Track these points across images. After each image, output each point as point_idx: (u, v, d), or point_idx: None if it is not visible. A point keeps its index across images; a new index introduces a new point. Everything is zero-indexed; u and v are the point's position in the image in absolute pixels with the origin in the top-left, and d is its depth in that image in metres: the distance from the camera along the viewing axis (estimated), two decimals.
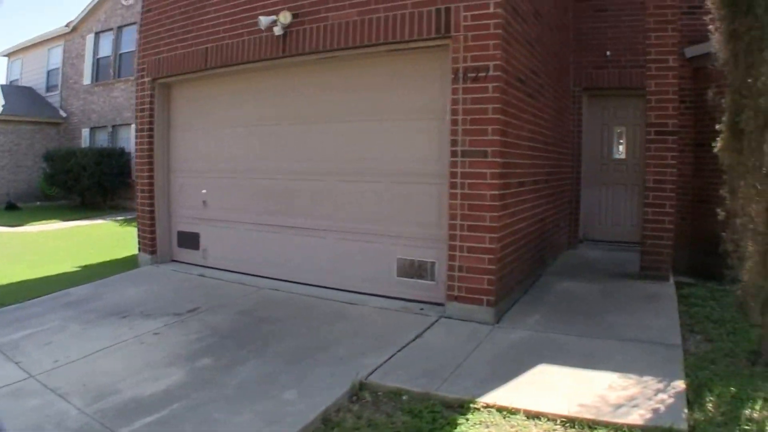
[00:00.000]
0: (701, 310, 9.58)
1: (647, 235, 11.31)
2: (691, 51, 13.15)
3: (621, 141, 15.26)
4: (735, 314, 8.46)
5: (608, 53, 14.56)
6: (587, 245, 15.22)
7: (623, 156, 15.19)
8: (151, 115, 12.74)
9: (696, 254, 12.76)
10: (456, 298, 8.80)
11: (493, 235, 8.54)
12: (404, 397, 6.29)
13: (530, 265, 10.74)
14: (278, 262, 11.10)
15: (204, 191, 12.25)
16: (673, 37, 10.97)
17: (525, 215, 10.06)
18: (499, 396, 6.15)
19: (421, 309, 9.14)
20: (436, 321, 8.64)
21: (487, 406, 6.00)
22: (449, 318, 8.73)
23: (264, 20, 10.12)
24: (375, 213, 9.96)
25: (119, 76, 30.94)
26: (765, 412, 6.02)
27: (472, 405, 6.02)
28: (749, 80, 6.82)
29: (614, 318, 8.80)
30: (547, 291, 10.45)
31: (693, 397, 6.28)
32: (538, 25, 10.85)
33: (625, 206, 14.92)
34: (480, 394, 6.17)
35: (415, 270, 9.54)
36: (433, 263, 9.35)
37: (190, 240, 12.63)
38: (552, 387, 6.41)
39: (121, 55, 31.03)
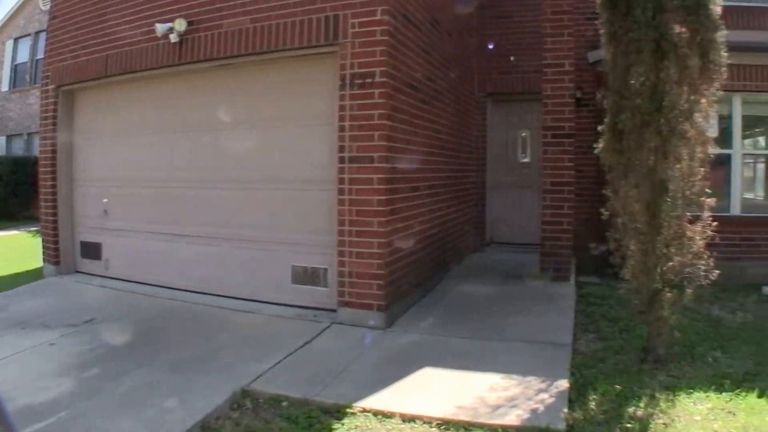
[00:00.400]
0: (598, 309, 9.76)
1: (546, 237, 11.47)
2: (593, 55, 13.33)
3: (526, 145, 15.35)
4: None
5: (512, 59, 14.74)
6: (494, 248, 15.36)
7: (528, 159, 15.38)
8: (54, 123, 12.43)
9: (602, 254, 12.90)
10: (347, 304, 8.79)
11: (381, 240, 8.55)
12: (284, 404, 6.25)
13: (429, 269, 10.75)
14: (176, 271, 10.95)
15: (105, 200, 11.99)
16: (569, 42, 11.13)
17: (420, 220, 10.08)
18: (378, 400, 6.17)
19: (315, 316, 9.09)
20: (328, 327, 8.62)
21: (364, 411, 6.00)
22: (341, 324, 8.71)
23: (160, 27, 10.03)
24: (270, 220, 9.90)
25: (36, 83, 29.84)
26: (650, 410, 6.10)
27: (349, 410, 6.02)
28: (631, 81, 6.93)
29: (508, 319, 8.90)
30: (446, 294, 10.53)
31: (575, 396, 6.35)
32: (436, 32, 10.93)
33: (531, 209, 14.90)
34: (358, 399, 6.17)
35: (308, 277, 9.49)
36: (325, 269, 9.31)
37: (92, 250, 12.39)
38: (433, 390, 6.44)
39: (38, 60, 29.84)
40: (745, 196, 13.37)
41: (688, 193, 7.04)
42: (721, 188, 13.05)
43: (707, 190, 7.18)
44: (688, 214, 7.14)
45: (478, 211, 15.24)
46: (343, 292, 8.84)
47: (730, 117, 12.92)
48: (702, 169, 7.13)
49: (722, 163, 13.06)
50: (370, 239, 8.57)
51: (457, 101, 12.86)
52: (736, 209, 12.99)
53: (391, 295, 8.82)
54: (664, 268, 7.00)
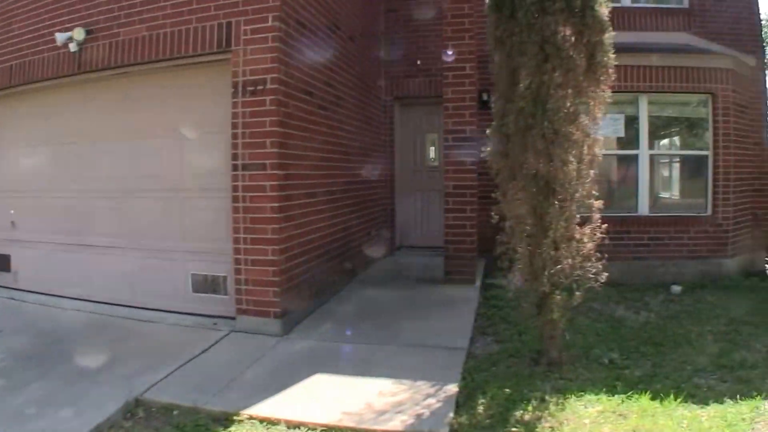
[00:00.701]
0: (499, 311, 9.80)
1: (450, 240, 11.48)
2: None
3: (435, 148, 15.36)
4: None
5: (419, 62, 14.74)
6: (404, 252, 15.35)
7: (437, 163, 15.28)
8: None
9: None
10: (245, 312, 8.73)
11: (275, 247, 8.50)
12: (175, 412, 6.24)
13: (332, 275, 10.71)
14: (83, 282, 10.70)
15: (12, 211, 11.75)
16: (470, 45, 11.15)
17: (318, 226, 10.02)
18: (265, 407, 6.19)
19: (215, 324, 9.01)
20: (226, 335, 8.55)
21: (251, 418, 6.02)
22: (240, 332, 8.65)
23: (60, 37, 9.83)
24: (170, 229, 9.79)
25: None
26: (538, 413, 6.12)
27: (236, 417, 6.04)
28: (519, 85, 6.92)
29: (407, 324, 8.92)
30: (349, 300, 10.52)
31: (464, 401, 6.37)
32: (336, 37, 10.90)
33: (440, 212, 14.74)
34: (246, 406, 6.19)
35: (208, 285, 9.41)
36: (224, 277, 9.23)
37: (1, 262, 12.21)
38: (322, 396, 6.46)
39: None
40: (655, 196, 13.51)
41: (577, 195, 7.06)
42: (629, 188, 13.23)
43: (594, 192, 7.21)
44: (578, 216, 7.16)
45: (387, 216, 15.19)
46: (241, 299, 8.79)
47: (636, 118, 13.08)
48: (591, 171, 7.15)
49: (630, 163, 13.23)
50: (265, 246, 8.53)
51: (362, 105, 12.86)
52: (644, 209, 13.19)
53: (289, 302, 8.77)
54: (552, 271, 7.00)
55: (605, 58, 7.00)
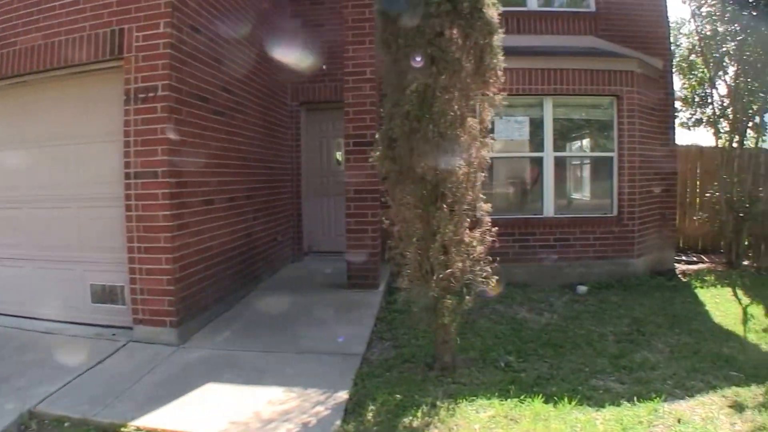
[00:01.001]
0: (400, 315, 9.68)
1: (352, 245, 11.41)
2: None
3: (341, 153, 15.29)
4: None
5: (324, 67, 14.64)
6: (312, 257, 15.27)
7: (343, 168, 15.16)
8: None
9: None
10: (141, 322, 8.60)
11: (169, 255, 8.40)
12: (66, 424, 6.18)
13: (233, 282, 10.61)
14: None
15: None
16: (371, 50, 11.08)
17: (217, 233, 9.92)
18: (154, 418, 6.16)
19: (114, 334, 8.83)
20: (123, 346, 8.40)
21: (138, 429, 5.98)
22: (137, 342, 8.50)
23: None
24: (68, 239, 9.59)
25: None
26: (427, 419, 6.10)
27: (123, 429, 5.98)
28: (409, 88, 6.89)
29: (305, 330, 8.89)
30: (250, 307, 10.43)
31: (353, 408, 6.33)
32: (236, 42, 10.81)
33: None
34: (135, 417, 6.13)
35: (107, 295, 9.24)
36: (122, 287, 9.06)
37: None
38: (211, 405, 6.44)
39: None
40: (561, 198, 13.61)
41: (468, 198, 7.07)
42: (535, 191, 13.31)
43: (482, 195, 7.24)
44: (469, 219, 7.17)
45: (294, 221, 15.11)
46: (137, 309, 8.66)
47: (541, 120, 13.15)
48: (480, 174, 7.17)
49: (535, 165, 13.31)
50: (158, 255, 8.42)
51: (266, 111, 12.80)
52: (549, 211, 13.27)
53: (185, 311, 8.69)
54: (441, 275, 6.99)
55: (494, 61, 7.02)
